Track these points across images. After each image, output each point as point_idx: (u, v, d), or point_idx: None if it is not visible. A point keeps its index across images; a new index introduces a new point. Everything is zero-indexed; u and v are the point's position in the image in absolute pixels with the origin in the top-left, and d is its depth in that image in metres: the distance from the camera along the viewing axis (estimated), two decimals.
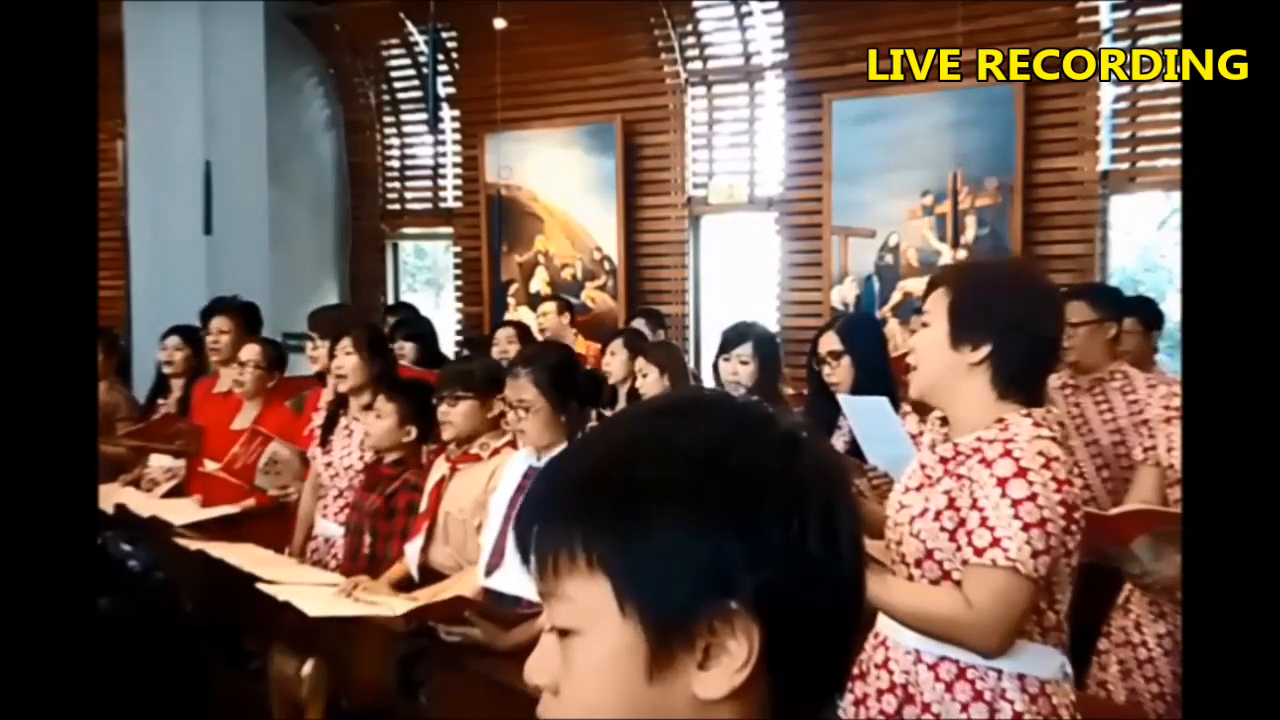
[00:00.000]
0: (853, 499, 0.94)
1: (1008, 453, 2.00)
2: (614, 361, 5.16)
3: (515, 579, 3.12)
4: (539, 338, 6.36)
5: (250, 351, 4.82)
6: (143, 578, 2.71)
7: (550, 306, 6.85)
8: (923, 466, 2.15)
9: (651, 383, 4.51)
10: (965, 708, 2.01)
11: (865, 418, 2.94)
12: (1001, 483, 1.98)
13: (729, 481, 0.87)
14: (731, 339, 4.12)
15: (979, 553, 1.97)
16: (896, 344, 5.18)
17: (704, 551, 0.85)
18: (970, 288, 2.16)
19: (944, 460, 2.10)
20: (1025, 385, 2.12)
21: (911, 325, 2.22)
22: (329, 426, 4.32)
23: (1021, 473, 1.98)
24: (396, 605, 3.13)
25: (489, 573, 3.23)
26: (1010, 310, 2.11)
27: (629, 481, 0.87)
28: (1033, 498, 1.97)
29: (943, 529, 2.04)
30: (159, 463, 5.17)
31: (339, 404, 4.28)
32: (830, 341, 3.76)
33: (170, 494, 4.91)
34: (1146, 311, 4.51)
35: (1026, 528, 1.95)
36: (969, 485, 2.02)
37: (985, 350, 2.09)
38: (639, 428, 0.92)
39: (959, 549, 2.01)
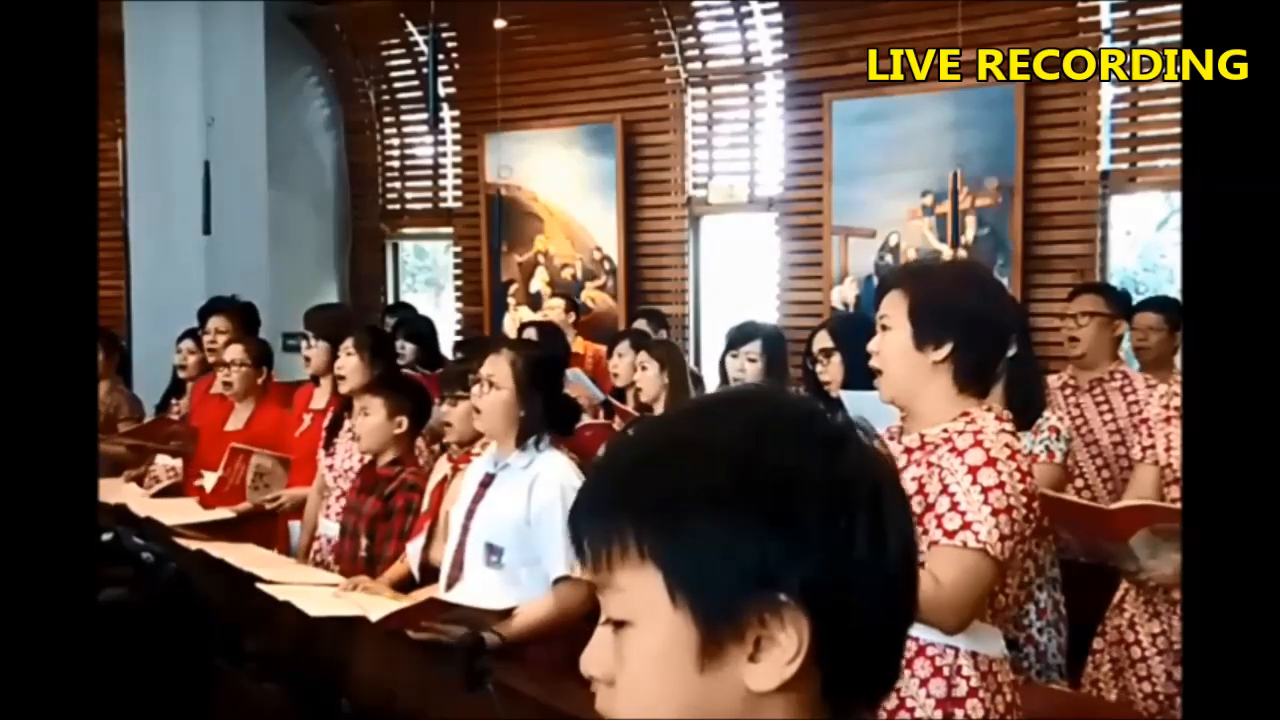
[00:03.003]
0: (903, 496, 0.96)
1: (978, 443, 2.11)
2: (621, 363, 5.15)
3: (476, 593, 3.10)
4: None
5: (235, 351, 4.81)
6: (157, 568, 2.71)
7: (558, 304, 6.82)
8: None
9: (650, 377, 4.51)
10: (924, 683, 2.11)
11: (865, 412, 2.95)
12: (972, 470, 2.09)
13: (770, 479, 0.88)
14: (739, 337, 4.13)
15: (949, 535, 2.07)
16: None
17: (750, 545, 0.87)
18: (928, 289, 2.24)
19: (909, 450, 2.20)
20: (982, 379, 2.24)
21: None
22: (333, 429, 4.32)
23: (991, 462, 2.09)
24: (371, 608, 3.11)
25: (449, 585, 3.21)
26: (970, 308, 2.22)
27: (676, 475, 0.89)
28: (1000, 486, 2.08)
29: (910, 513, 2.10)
30: (163, 461, 5.19)
31: (343, 407, 4.29)
32: (822, 340, 3.80)
33: (167, 493, 4.91)
34: (1172, 311, 4.40)
35: (995, 513, 2.06)
36: (938, 472, 2.12)
37: (947, 349, 2.19)
38: (686, 423, 0.95)
39: (925, 532, 2.10)
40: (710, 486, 0.87)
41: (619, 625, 0.91)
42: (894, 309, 2.24)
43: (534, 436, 3.15)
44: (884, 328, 2.25)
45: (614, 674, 0.92)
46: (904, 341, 2.21)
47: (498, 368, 3.17)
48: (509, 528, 3.11)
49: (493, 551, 3.14)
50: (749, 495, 0.87)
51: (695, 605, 0.87)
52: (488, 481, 3.22)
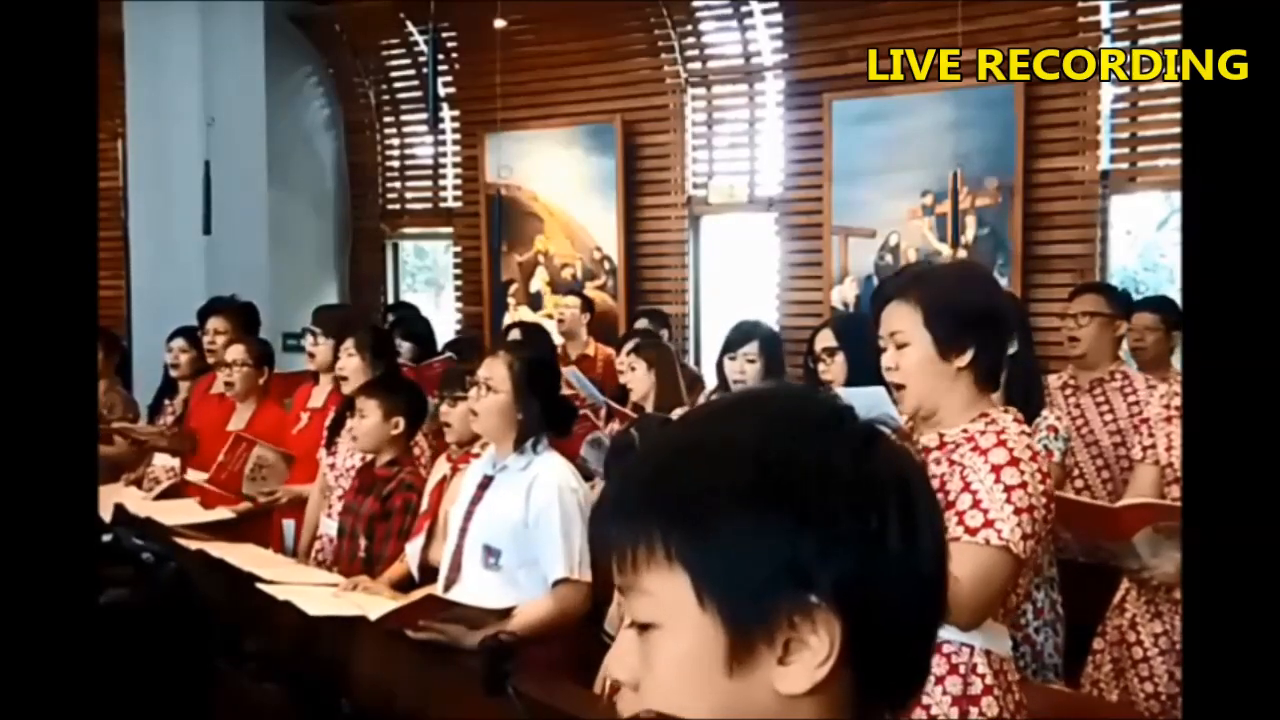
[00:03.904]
0: (933, 493, 0.95)
1: (1001, 443, 2.13)
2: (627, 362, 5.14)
3: (474, 594, 3.10)
4: (556, 336, 6.32)
5: (236, 351, 4.82)
6: (157, 568, 2.70)
7: (574, 301, 6.79)
8: None
9: (638, 377, 4.51)
10: (940, 681, 2.13)
11: (863, 408, 2.96)
12: (996, 469, 2.10)
13: (802, 476, 0.87)
14: (737, 339, 4.13)
15: (971, 532, 2.08)
16: None
17: (780, 545, 0.85)
18: (940, 297, 2.23)
19: (927, 449, 2.21)
20: (995, 377, 2.28)
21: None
22: (335, 429, 4.32)
23: (1014, 462, 2.11)
24: (371, 608, 3.11)
25: (447, 587, 3.21)
26: (983, 309, 2.25)
27: (705, 475, 0.88)
28: (1023, 485, 2.10)
29: None
30: (163, 462, 5.19)
31: (346, 406, 4.29)
32: (825, 339, 3.80)
33: (167, 494, 4.91)
34: (1169, 311, 4.40)
35: (1018, 512, 2.08)
36: (960, 470, 2.13)
37: (970, 354, 2.20)
38: (715, 423, 0.94)
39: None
40: (739, 486, 0.86)
41: (644, 628, 0.90)
42: (906, 322, 2.22)
43: (532, 439, 3.15)
44: (900, 344, 2.23)
45: (640, 678, 0.90)
46: (927, 353, 2.20)
47: (495, 371, 3.17)
48: (507, 530, 3.11)
49: (490, 553, 3.14)
50: (779, 493, 0.86)
51: (724, 608, 0.86)
52: (486, 483, 3.22)
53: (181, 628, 1.36)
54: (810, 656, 0.86)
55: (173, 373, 5.52)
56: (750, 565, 0.85)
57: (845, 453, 0.89)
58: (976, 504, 2.09)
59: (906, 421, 2.31)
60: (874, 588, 0.86)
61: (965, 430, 2.17)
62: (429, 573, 3.50)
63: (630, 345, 5.18)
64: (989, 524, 2.07)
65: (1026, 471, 2.10)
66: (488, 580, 3.12)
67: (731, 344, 4.12)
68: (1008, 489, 2.08)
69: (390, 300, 9.13)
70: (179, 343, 5.46)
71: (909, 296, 2.24)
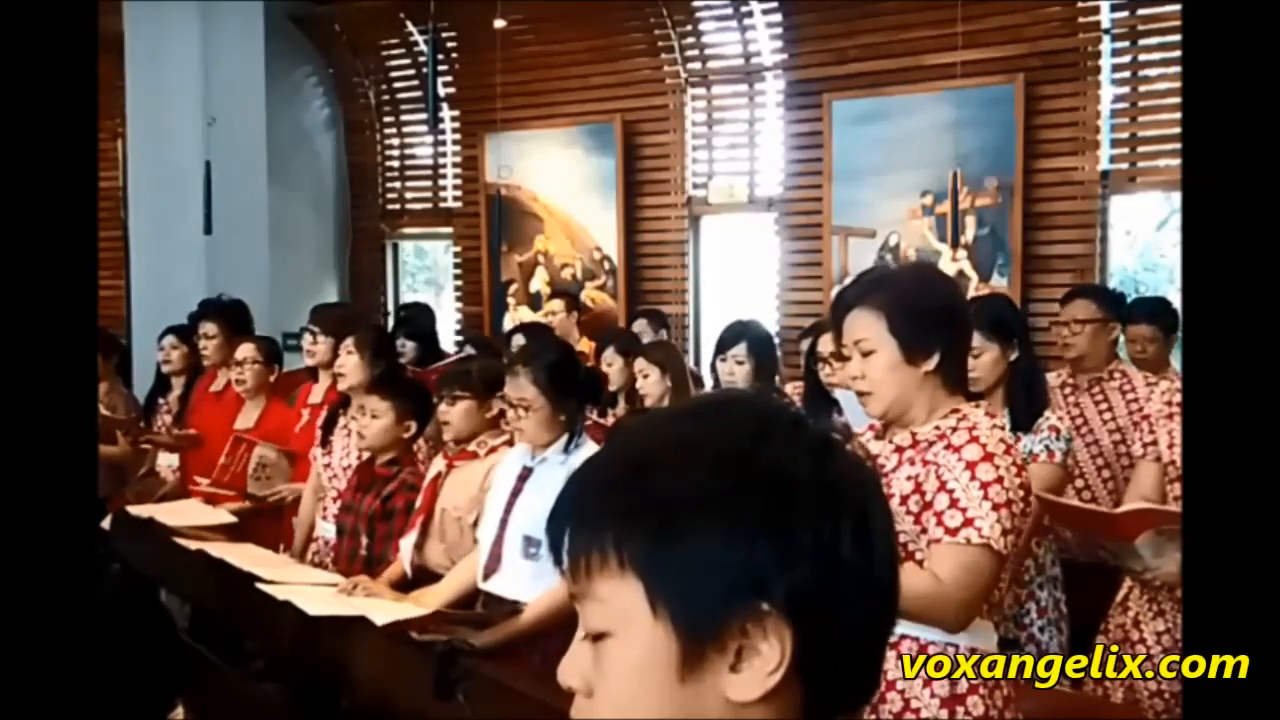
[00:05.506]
0: (885, 503, 0.95)
1: (974, 439, 2.11)
2: (611, 371, 5.15)
3: (513, 583, 3.12)
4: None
5: (246, 349, 4.83)
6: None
7: (560, 304, 6.82)
8: (875, 456, 2.22)
9: (653, 382, 4.51)
10: (928, 683, 2.11)
11: (859, 410, 2.97)
12: (970, 466, 2.09)
13: (760, 484, 0.87)
14: (728, 339, 4.14)
15: (951, 532, 2.07)
16: None
17: (735, 553, 0.85)
18: (902, 301, 2.21)
19: (900, 449, 2.19)
20: (963, 379, 2.27)
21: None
22: (329, 427, 4.31)
23: (988, 457, 2.09)
24: (372, 610, 3.12)
25: (486, 577, 3.23)
26: (948, 311, 2.24)
27: (660, 483, 0.87)
28: (999, 480, 2.08)
29: (909, 512, 2.12)
30: (166, 462, 5.20)
31: (340, 404, 4.28)
32: (830, 344, 3.77)
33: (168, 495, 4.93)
34: (1164, 315, 4.37)
35: (996, 508, 2.06)
36: (935, 469, 2.12)
37: (937, 357, 2.18)
38: (671, 429, 0.93)
39: (924, 531, 2.10)
40: (693, 494, 0.86)
41: (598, 637, 0.90)
42: (870, 329, 2.20)
43: (576, 429, 3.21)
44: (865, 351, 2.21)
45: (593, 684, 0.90)
46: (893, 359, 2.19)
47: (525, 391, 3.20)
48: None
49: (531, 544, 3.16)
50: (733, 502, 0.86)
51: (677, 616, 0.86)
52: (525, 475, 3.25)
53: (139, 619, 1.36)
54: (762, 664, 0.86)
55: (165, 368, 5.54)
56: (703, 573, 0.85)
57: (801, 461, 0.89)
58: (954, 503, 2.08)
59: (879, 424, 2.31)
60: (827, 596, 0.86)
61: (937, 428, 2.16)
62: (422, 572, 3.51)
63: (608, 351, 5.18)
64: (968, 523, 2.06)
65: (1001, 466, 2.09)
66: (526, 570, 3.15)
67: (722, 345, 4.14)
68: (984, 485, 2.07)
69: (391, 299, 9.14)
70: (170, 339, 5.49)
71: (870, 303, 2.21)
